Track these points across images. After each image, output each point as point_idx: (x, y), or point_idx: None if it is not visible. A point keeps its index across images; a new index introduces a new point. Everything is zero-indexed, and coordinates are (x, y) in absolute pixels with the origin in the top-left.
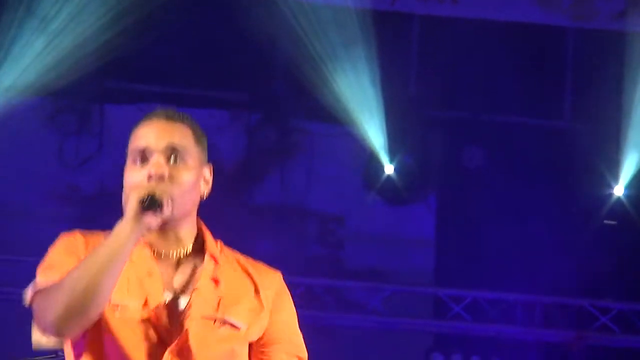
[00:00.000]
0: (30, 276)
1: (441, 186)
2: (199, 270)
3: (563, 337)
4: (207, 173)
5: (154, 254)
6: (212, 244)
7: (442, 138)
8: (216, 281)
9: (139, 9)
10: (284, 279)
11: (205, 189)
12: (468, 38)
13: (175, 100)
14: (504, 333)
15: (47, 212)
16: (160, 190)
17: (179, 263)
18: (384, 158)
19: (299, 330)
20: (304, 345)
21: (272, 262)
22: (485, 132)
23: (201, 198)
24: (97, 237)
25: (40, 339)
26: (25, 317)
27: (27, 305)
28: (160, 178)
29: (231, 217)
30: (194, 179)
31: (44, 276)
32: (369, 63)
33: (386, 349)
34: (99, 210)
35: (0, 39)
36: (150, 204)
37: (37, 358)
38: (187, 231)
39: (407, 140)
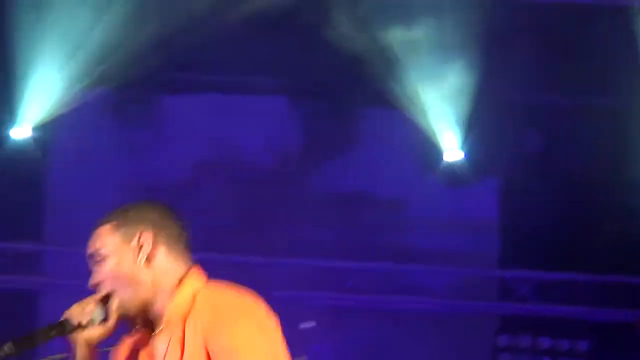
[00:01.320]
0: (86, 266)
1: (504, 168)
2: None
3: (630, 316)
4: (135, 242)
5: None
6: (170, 313)
7: (505, 120)
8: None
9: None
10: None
11: (140, 254)
12: (523, 21)
13: (234, 89)
14: (571, 313)
15: (109, 203)
16: (80, 307)
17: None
18: (446, 142)
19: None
20: None
21: (334, 249)
22: (546, 114)
23: (139, 263)
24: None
25: None
26: None
27: None
28: (95, 287)
29: (292, 205)
30: (113, 264)
31: None
32: (429, 47)
33: (452, 332)
34: (159, 201)
35: (64, 30)
36: (59, 331)
37: (51, 357)
38: (155, 305)
39: (470, 123)
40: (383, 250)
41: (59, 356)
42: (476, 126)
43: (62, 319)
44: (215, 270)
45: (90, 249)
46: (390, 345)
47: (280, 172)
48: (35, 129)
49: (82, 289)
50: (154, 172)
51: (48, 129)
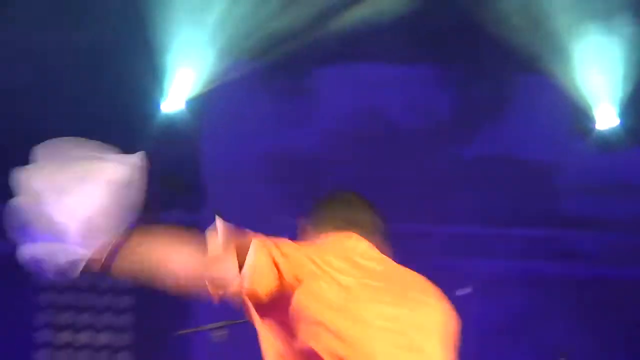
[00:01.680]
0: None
1: None
2: None
3: None
4: None
5: None
6: None
7: None
8: None
9: None
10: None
11: None
12: None
13: (384, 58)
14: None
15: (262, 175)
16: None
17: None
18: (599, 108)
19: None
20: None
21: (486, 215)
22: None
23: None
24: None
25: None
26: None
27: None
28: None
29: (444, 172)
30: None
31: None
32: (583, 11)
33: (607, 298)
34: (313, 172)
35: (214, 3)
36: None
37: (210, 325)
38: None
39: (626, 89)
40: (536, 216)
41: (221, 323)
42: (632, 92)
43: None
44: None
45: None
46: (543, 312)
47: (430, 139)
48: (187, 102)
49: None
50: (305, 143)
51: (200, 102)
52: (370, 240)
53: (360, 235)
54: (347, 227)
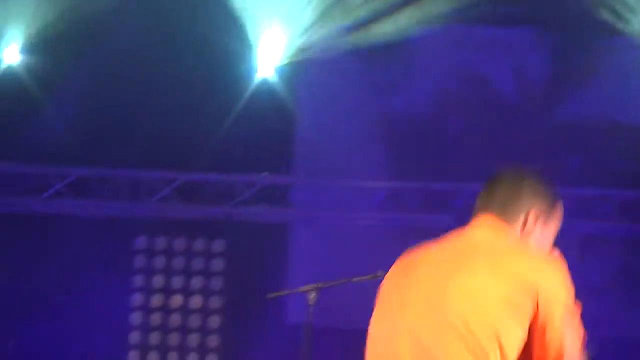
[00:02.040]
0: (335, 198)
1: None
2: None
3: None
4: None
5: None
6: None
7: None
8: None
9: None
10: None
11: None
12: None
13: (483, 20)
14: None
15: (356, 136)
16: None
17: None
18: None
19: None
20: None
21: (580, 176)
22: None
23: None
24: None
25: None
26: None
27: None
28: None
29: (541, 134)
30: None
31: None
32: None
33: None
34: (410, 134)
35: None
36: None
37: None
38: None
39: None
40: (630, 178)
41: (312, 286)
42: None
43: None
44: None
45: None
46: (637, 273)
47: (526, 102)
48: (280, 67)
49: (330, 221)
50: (401, 105)
51: (296, 66)
52: (508, 219)
53: (499, 214)
54: (485, 209)
